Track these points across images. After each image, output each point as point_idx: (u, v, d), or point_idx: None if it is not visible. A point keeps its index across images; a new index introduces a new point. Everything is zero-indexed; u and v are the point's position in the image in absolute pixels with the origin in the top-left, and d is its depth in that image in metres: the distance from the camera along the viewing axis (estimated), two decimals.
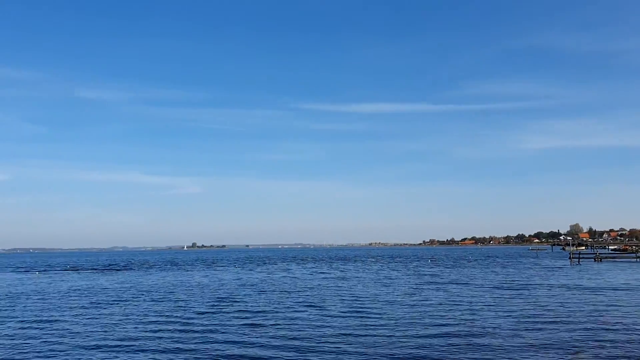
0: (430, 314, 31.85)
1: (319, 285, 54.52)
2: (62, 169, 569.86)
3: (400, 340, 23.99)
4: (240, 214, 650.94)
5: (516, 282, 55.18)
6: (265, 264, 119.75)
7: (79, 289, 53.78)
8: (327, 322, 29.23)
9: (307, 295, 43.60)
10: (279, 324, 28.94)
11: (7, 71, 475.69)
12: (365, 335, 25.11)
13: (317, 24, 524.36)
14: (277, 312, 33.90)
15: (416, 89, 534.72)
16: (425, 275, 68.75)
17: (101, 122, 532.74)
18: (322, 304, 37.28)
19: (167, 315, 32.97)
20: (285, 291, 48.01)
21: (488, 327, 26.82)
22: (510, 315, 30.55)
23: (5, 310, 37.26)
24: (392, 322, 29.00)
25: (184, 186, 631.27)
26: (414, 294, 43.84)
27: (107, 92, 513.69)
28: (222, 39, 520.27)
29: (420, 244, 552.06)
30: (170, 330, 27.66)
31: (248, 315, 32.59)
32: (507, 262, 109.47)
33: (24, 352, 22.87)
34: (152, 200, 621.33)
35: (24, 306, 39.38)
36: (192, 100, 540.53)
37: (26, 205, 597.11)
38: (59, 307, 38.52)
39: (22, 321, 31.66)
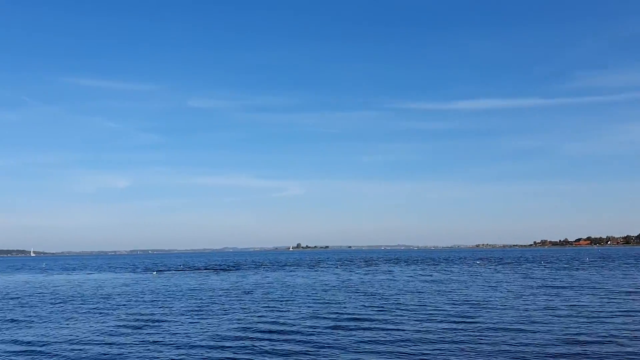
0: (554, 322, 29.80)
1: (421, 287, 53.19)
2: (177, 175, 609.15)
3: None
4: (342, 215, 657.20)
5: None
6: (368, 265, 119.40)
7: (193, 288, 56.55)
8: (426, 327, 28.30)
9: (407, 299, 42.68)
10: (374, 328, 28.46)
11: (124, 85, 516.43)
12: (469, 343, 23.95)
13: (413, 20, 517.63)
14: (376, 316, 33.40)
15: (522, 83, 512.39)
16: (536, 278, 64.84)
17: (212, 130, 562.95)
18: (422, 308, 36.24)
19: (275, 315, 33.71)
20: (383, 294, 47.31)
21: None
22: None
23: (119, 308, 39.93)
24: (507, 329, 27.46)
25: (289, 189, 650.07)
26: (527, 298, 41.39)
27: (217, 101, 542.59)
28: (318, 42, 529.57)
29: (531, 245, 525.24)
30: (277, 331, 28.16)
31: (345, 319, 32.40)
32: (630, 263, 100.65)
33: (136, 347, 24.29)
34: (260, 202, 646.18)
35: (140, 303, 42.02)
36: (294, 105, 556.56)
37: (145, 209, 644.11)
38: (171, 305, 40.66)
39: (137, 319, 33.75)
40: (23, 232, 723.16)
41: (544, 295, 43.94)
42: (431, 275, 74.61)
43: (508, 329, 27.34)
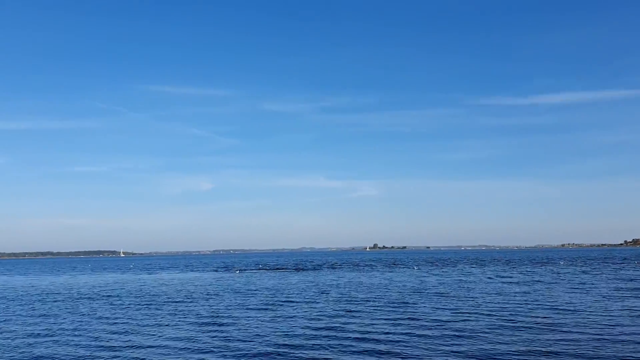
0: None
1: (500, 289, 51.73)
2: (255, 177, 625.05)
3: None
4: (420, 214, 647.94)
5: None
6: (445, 265, 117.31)
7: (270, 287, 58.10)
8: (501, 332, 27.68)
9: (484, 301, 41.74)
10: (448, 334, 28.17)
11: (204, 91, 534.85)
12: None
13: (488, 11, 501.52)
14: (449, 319, 33.02)
15: (606, 75, 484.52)
16: (626, 279, 61.27)
17: (287, 132, 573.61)
18: (500, 311, 35.37)
19: (346, 312, 34.15)
20: (459, 296, 46.48)
21: None
22: None
23: (200, 304, 41.75)
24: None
25: (363, 189, 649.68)
26: (614, 301, 39.39)
27: (291, 104, 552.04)
28: (387, 40, 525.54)
29: (621, 244, 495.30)
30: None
31: (416, 320, 32.26)
32: None
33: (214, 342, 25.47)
34: (335, 203, 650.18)
35: (220, 301, 43.77)
36: (367, 105, 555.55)
37: (226, 210, 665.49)
38: (248, 302, 42.05)
39: (216, 315, 35.23)
40: (114, 233, 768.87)
41: (634, 298, 41.66)
42: (511, 277, 72.29)
43: (591, 335, 26.30)
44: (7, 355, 24.35)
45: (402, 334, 27.54)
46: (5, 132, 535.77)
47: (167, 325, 31.69)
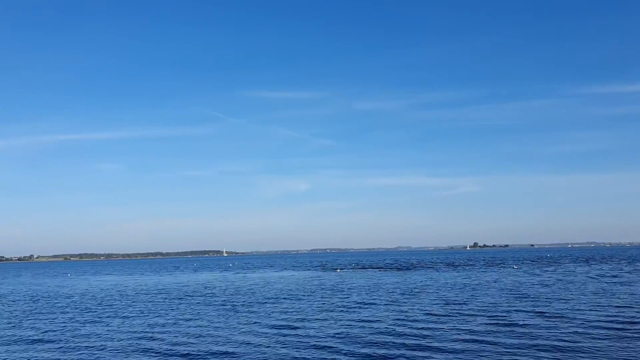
0: None
1: (604, 290, 49.11)
2: (350, 177, 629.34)
3: None
4: (523, 211, 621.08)
5: None
6: (549, 265, 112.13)
7: (364, 286, 59.05)
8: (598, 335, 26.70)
9: (580, 303, 40.03)
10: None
11: (297, 94, 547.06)
12: None
13: None
14: (537, 323, 32.19)
15: None
16: None
17: (381, 130, 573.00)
18: (601, 314, 33.89)
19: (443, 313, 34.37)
20: (555, 297, 44.77)
21: None
22: None
23: (300, 302, 43.48)
24: None
25: (463, 186, 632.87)
26: None
27: (383, 102, 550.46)
28: (484, 31, 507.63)
29: None
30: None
31: (507, 323, 31.80)
32: None
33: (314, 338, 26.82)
34: (433, 201, 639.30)
35: (315, 298, 45.37)
36: (464, 99, 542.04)
37: (322, 210, 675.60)
38: (342, 301, 43.26)
39: (307, 311, 36.72)
40: (218, 234, 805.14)
41: None
42: (619, 276, 67.91)
43: None
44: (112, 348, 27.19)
45: (484, 342, 27.43)
46: (120, 140, 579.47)
47: (256, 323, 33.55)
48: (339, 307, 40.63)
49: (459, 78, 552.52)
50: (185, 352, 24.97)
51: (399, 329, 29.40)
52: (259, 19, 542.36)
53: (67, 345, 27.70)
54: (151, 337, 29.27)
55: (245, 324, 32.75)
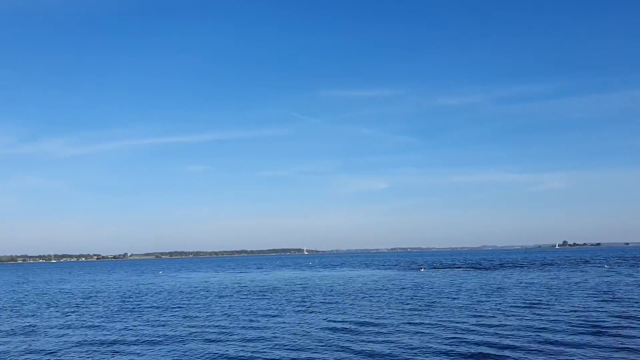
0: None
1: None
2: (430, 174, 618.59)
3: None
4: (616, 207, 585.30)
5: None
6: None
7: (446, 284, 58.50)
8: None
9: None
10: None
11: (374, 92, 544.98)
12: None
13: None
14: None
15: None
16: None
17: (463, 126, 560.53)
18: None
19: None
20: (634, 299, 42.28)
21: None
22: None
23: (377, 300, 43.87)
24: None
25: (549, 181, 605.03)
26: None
27: (465, 97, 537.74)
28: (570, 24, 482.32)
29: None
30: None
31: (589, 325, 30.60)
32: None
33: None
34: (518, 197, 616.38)
35: (397, 297, 45.59)
36: (548, 92, 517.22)
37: (402, 208, 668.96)
38: (423, 300, 43.19)
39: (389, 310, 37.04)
40: (299, 233, 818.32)
41: None
42: None
43: None
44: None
45: (571, 344, 26.64)
46: (206, 143, 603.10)
47: (330, 321, 34.29)
48: (419, 307, 40.60)
49: (541, 70, 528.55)
50: (256, 348, 26.12)
51: (477, 329, 29.15)
52: (333, 21, 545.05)
53: (159, 336, 29.69)
54: (227, 331, 30.72)
55: (321, 321, 33.56)
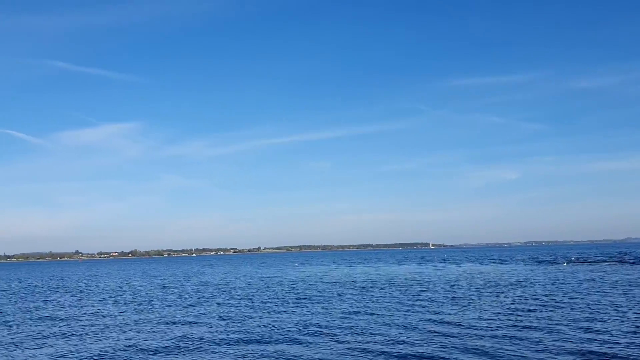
0: None
1: None
2: (565, 163, 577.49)
3: None
4: None
5: None
6: None
7: (587, 280, 53.69)
8: None
9: None
10: None
11: (500, 78, 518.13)
12: None
13: None
14: None
15: None
16: None
17: (601, 110, 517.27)
18: None
19: None
20: None
21: None
22: None
23: (500, 297, 41.13)
24: None
25: None
26: None
27: (607, 78, 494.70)
28: None
29: None
30: None
31: None
32: None
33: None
34: None
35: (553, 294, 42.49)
36: None
37: (534, 200, 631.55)
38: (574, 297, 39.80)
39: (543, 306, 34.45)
40: (425, 226, 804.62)
41: None
42: None
43: None
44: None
45: None
46: (328, 140, 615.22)
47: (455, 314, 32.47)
48: (557, 304, 37.46)
49: None
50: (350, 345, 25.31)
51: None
52: (454, 10, 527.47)
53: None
54: (330, 325, 30.26)
55: (433, 321, 32.04)
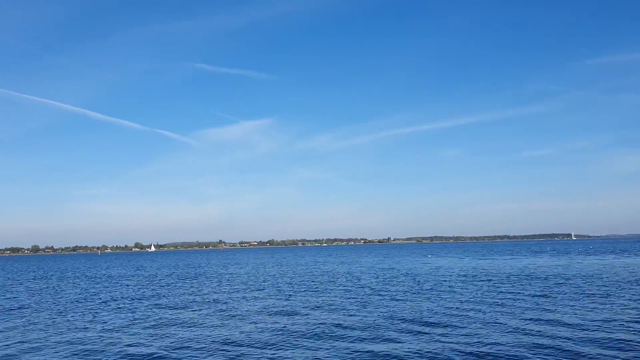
0: None
1: None
2: None
3: None
4: None
5: None
6: None
7: None
8: None
9: None
10: None
11: None
12: None
13: None
14: None
15: None
16: None
17: None
18: None
19: None
20: None
21: None
22: None
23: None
24: None
25: None
26: None
27: None
28: None
29: None
30: None
31: None
32: None
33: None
34: None
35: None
36: None
37: None
38: None
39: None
40: (566, 216, 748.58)
41: None
42: None
43: None
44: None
45: None
46: (458, 127, 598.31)
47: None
48: None
49: None
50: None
51: None
52: None
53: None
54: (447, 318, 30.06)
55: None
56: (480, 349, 21.74)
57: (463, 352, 21.40)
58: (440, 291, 44.45)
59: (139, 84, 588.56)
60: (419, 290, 45.44)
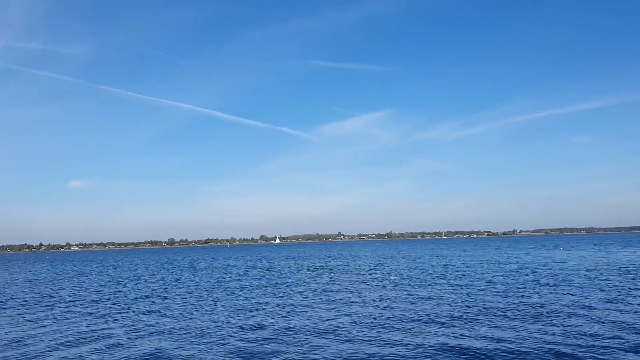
0: None
1: None
2: None
3: None
4: None
5: None
6: None
7: None
8: None
9: None
10: None
11: None
12: None
13: None
14: None
15: None
16: None
17: None
18: None
19: None
20: None
21: None
22: None
23: None
24: None
25: None
26: None
27: None
28: None
29: None
30: None
31: None
32: None
33: None
34: None
35: None
36: None
37: None
38: None
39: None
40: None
41: None
42: None
43: None
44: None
45: None
46: (592, 110, 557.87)
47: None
48: None
49: None
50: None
51: None
52: None
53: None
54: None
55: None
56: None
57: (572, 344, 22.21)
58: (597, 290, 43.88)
59: (261, 83, 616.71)
60: (544, 283, 45.24)
